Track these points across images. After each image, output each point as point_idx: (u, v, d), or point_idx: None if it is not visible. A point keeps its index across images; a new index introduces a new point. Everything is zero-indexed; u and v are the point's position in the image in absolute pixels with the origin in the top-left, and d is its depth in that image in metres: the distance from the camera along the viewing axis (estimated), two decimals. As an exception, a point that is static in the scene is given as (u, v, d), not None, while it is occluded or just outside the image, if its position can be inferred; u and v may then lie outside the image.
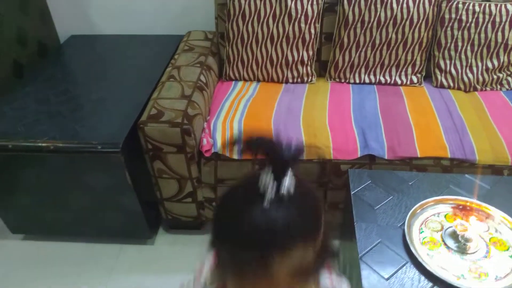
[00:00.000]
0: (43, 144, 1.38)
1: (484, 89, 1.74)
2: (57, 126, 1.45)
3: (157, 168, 1.49)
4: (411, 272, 0.99)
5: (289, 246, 0.54)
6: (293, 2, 1.67)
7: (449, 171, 1.41)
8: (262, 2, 1.68)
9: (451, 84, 1.74)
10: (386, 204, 1.17)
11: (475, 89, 1.74)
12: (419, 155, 1.41)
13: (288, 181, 0.53)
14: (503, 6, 1.64)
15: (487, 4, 1.64)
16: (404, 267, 1.00)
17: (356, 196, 1.20)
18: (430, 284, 0.96)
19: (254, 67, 1.78)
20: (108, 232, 1.66)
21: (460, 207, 1.14)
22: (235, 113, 1.59)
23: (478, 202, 1.13)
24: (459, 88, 1.74)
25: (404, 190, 1.21)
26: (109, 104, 1.57)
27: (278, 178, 0.53)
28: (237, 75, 1.82)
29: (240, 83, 1.82)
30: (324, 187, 1.51)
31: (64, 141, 1.38)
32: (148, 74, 1.74)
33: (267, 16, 1.69)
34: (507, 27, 1.64)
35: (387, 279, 0.97)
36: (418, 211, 1.12)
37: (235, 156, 1.46)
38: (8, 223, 1.65)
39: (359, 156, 1.42)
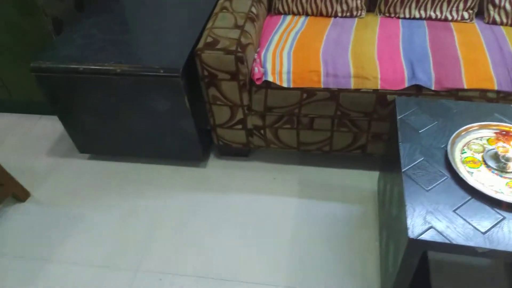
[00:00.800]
0: (110, 67, 1.51)
1: (539, 25, 1.71)
2: (121, 52, 1.57)
3: (211, 94, 1.60)
4: (451, 186, 1.07)
5: None
6: None
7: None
8: None
9: (504, 20, 1.71)
10: (430, 128, 1.24)
11: (530, 25, 1.71)
12: (465, 87, 1.44)
13: None
14: None
15: None
16: (445, 181, 1.08)
17: (402, 120, 1.27)
18: (469, 196, 1.04)
19: (303, 0, 1.81)
20: (165, 154, 1.82)
21: (503, 132, 1.19)
22: (284, 45, 1.65)
23: (522, 128, 1.18)
24: (512, 25, 1.72)
25: (449, 116, 1.27)
26: (167, 34, 1.66)
27: None
28: (286, 8, 1.86)
29: (288, 17, 1.86)
30: (368, 117, 1.58)
31: (129, 65, 1.51)
32: (201, 6, 1.82)
33: None
34: None
35: (428, 190, 1.06)
36: (462, 134, 1.18)
37: (285, 85, 1.54)
38: (77, 142, 1.84)
39: (406, 86, 1.47)
